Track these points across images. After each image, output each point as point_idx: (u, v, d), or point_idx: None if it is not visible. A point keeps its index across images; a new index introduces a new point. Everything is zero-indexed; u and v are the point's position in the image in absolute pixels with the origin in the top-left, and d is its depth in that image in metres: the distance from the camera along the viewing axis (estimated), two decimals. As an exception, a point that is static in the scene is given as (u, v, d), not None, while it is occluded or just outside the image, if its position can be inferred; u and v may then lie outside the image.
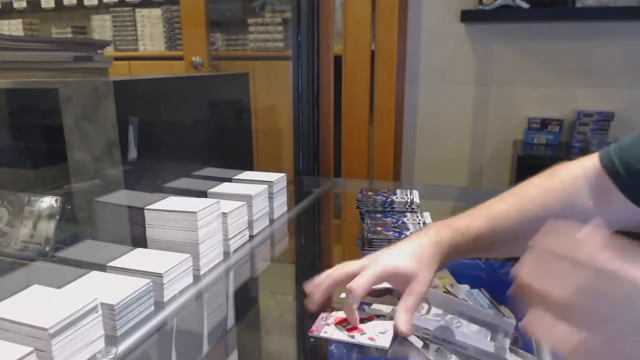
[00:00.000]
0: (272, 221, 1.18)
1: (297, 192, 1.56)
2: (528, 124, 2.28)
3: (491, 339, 0.78)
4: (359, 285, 0.69)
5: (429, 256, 0.71)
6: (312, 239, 1.37)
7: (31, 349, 0.56)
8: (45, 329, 0.57)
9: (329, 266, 0.78)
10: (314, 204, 1.44)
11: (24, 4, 3.10)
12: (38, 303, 0.63)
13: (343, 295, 0.82)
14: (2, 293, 0.65)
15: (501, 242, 0.75)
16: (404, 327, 0.67)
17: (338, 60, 2.28)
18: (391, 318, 0.77)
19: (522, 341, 0.82)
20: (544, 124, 2.25)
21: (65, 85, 0.90)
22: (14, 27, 3.09)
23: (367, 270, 0.71)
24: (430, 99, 2.47)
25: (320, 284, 0.74)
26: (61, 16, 3.14)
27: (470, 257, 0.76)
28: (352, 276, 0.71)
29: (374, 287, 0.72)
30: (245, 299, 0.99)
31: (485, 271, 0.98)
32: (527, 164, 2.08)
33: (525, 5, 2.07)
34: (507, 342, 0.76)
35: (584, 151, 2.12)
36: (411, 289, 0.69)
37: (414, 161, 2.57)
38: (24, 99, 1.14)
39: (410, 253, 0.72)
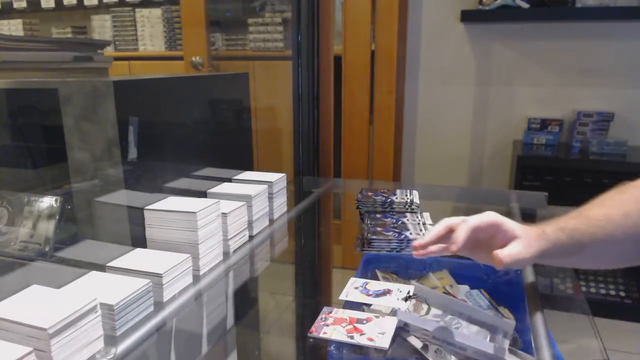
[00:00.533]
0: (272, 221, 1.18)
1: (297, 192, 1.55)
2: (528, 124, 2.28)
3: (490, 340, 0.78)
4: (473, 219, 0.74)
5: (535, 236, 0.72)
6: (312, 239, 1.37)
7: (30, 349, 0.56)
8: (45, 329, 0.57)
9: (329, 267, 0.78)
10: (314, 204, 1.44)
11: (24, 4, 3.10)
12: (37, 303, 0.63)
13: (342, 296, 0.82)
14: (1, 293, 0.65)
15: (596, 242, 0.74)
16: (502, 257, 0.69)
17: (338, 60, 2.28)
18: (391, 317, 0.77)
19: (521, 342, 0.82)
20: (544, 124, 2.25)
21: (65, 85, 0.90)
22: (14, 27, 3.08)
23: (476, 216, 0.75)
24: (430, 99, 2.47)
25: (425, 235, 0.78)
26: (61, 16, 3.14)
27: (566, 259, 0.76)
28: (454, 227, 0.75)
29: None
30: (245, 299, 0.99)
31: (485, 272, 0.98)
32: (527, 164, 2.08)
33: (525, 5, 2.07)
34: (506, 343, 0.76)
35: (584, 151, 2.12)
36: (519, 245, 0.71)
37: (414, 161, 2.57)
38: (24, 99, 1.14)
39: (519, 225, 0.74)
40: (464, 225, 0.73)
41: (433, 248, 0.76)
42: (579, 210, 0.76)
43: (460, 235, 0.72)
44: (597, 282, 2.17)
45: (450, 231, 0.76)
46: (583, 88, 2.22)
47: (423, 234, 1.05)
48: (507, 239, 0.73)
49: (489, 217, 0.74)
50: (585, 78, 2.21)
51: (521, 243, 0.71)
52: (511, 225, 0.73)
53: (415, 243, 0.77)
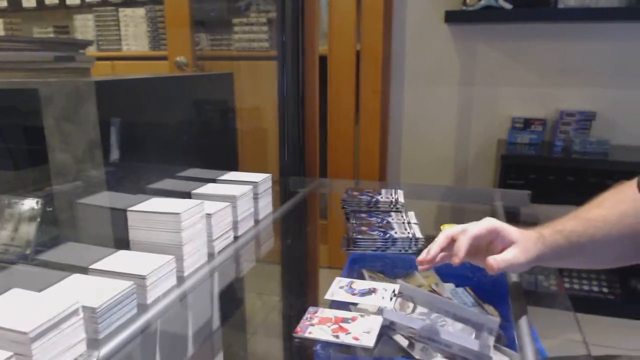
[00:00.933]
0: (257, 222, 1.17)
1: (282, 192, 1.55)
2: (512, 123, 2.30)
3: (475, 337, 0.79)
4: (472, 229, 0.75)
5: (533, 240, 0.74)
6: (298, 239, 1.37)
7: (11, 353, 0.55)
8: (26, 333, 0.56)
9: (315, 266, 0.78)
10: (300, 205, 1.44)
11: (4, 3, 3.05)
12: (18, 307, 0.62)
13: (328, 296, 0.82)
14: (-19, 297, 0.63)
15: (594, 244, 0.75)
16: (495, 263, 0.71)
17: (323, 60, 2.28)
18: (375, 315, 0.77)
19: (505, 338, 0.82)
20: (527, 123, 2.27)
21: (45, 85, 0.89)
22: (-6, 26, 3.04)
23: (475, 223, 0.76)
24: (415, 99, 2.48)
25: (429, 249, 0.78)
26: (43, 16, 3.10)
27: (564, 261, 0.77)
28: (459, 234, 0.75)
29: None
30: (231, 300, 0.99)
31: (470, 270, 0.99)
32: (511, 163, 2.10)
33: (508, 6, 2.09)
34: (492, 340, 0.77)
35: (567, 150, 2.14)
36: (515, 250, 0.72)
37: (399, 161, 2.58)
38: (4, 100, 1.12)
39: (517, 230, 0.75)
40: (464, 236, 0.74)
41: (436, 259, 0.77)
42: (576, 212, 0.77)
43: (462, 247, 0.73)
44: (581, 279, 2.20)
45: (451, 241, 0.76)
46: (566, 88, 2.25)
47: (408, 233, 1.05)
48: (505, 244, 0.74)
49: (487, 224, 0.75)
50: (567, 78, 2.24)
51: (517, 248, 0.72)
52: (509, 230, 0.74)
53: (420, 258, 0.77)
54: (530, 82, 2.29)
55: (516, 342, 0.74)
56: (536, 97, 2.30)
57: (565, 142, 2.19)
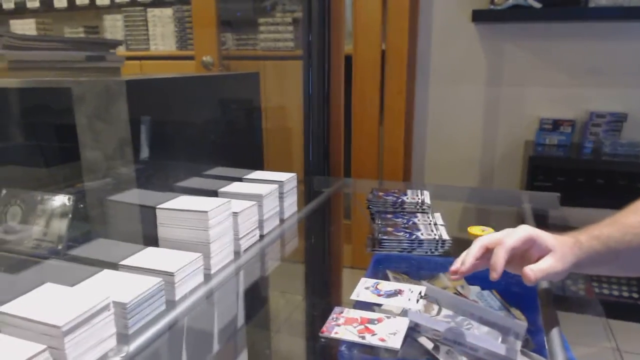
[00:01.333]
0: (282, 221, 1.18)
1: (307, 192, 1.55)
2: (540, 124, 2.26)
3: (502, 341, 0.77)
4: (509, 240, 0.72)
5: (569, 246, 0.72)
6: (322, 238, 1.37)
7: (44, 346, 0.56)
8: (59, 327, 0.57)
9: (339, 266, 0.78)
10: (324, 204, 1.44)
11: (37, 4, 3.13)
12: (51, 301, 0.63)
13: (353, 296, 0.82)
14: (16, 291, 0.65)
15: (632, 250, 0.73)
16: (532, 274, 0.69)
17: (348, 60, 2.28)
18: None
19: (533, 343, 0.81)
20: (556, 124, 2.23)
21: (78, 84, 0.90)
22: (27, 26, 3.12)
23: (510, 233, 0.74)
24: (440, 99, 2.46)
25: (464, 261, 0.76)
26: (74, 16, 3.17)
27: (601, 268, 0.75)
28: (494, 244, 0.74)
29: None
30: (256, 298, 1.00)
31: (496, 273, 0.97)
32: (539, 165, 2.06)
33: (538, 5, 2.05)
34: (518, 345, 0.76)
35: (596, 152, 2.10)
36: (551, 259, 0.71)
37: (424, 161, 2.56)
38: (38, 98, 1.15)
39: (553, 237, 0.74)
40: (501, 250, 0.71)
41: (471, 269, 0.75)
42: (613, 217, 0.75)
43: (500, 262, 0.71)
44: (610, 284, 2.14)
45: (486, 250, 0.75)
46: (596, 88, 2.20)
47: (435, 235, 1.04)
48: (541, 253, 0.72)
49: (524, 233, 0.73)
50: (598, 78, 2.19)
51: (554, 256, 0.71)
52: (545, 238, 0.73)
53: (454, 268, 0.75)
54: (559, 82, 2.24)
55: (546, 347, 0.72)
56: (565, 97, 2.25)
57: (595, 144, 2.14)
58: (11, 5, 3.20)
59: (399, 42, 2.30)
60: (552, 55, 2.23)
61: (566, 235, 0.74)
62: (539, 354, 0.76)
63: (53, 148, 1.14)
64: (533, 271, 0.69)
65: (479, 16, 2.18)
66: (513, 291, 0.95)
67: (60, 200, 0.96)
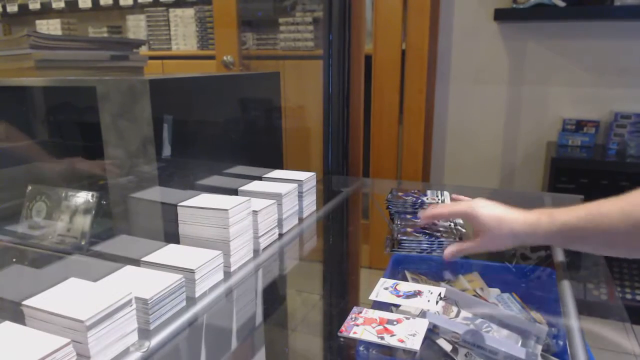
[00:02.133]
0: (301, 220, 1.18)
1: (326, 191, 1.56)
2: (563, 125, 2.22)
3: (522, 345, 0.77)
4: (445, 209, 0.91)
5: (512, 229, 0.78)
6: (341, 238, 1.37)
7: (68, 340, 0.57)
8: (82, 321, 0.58)
9: (356, 266, 0.79)
10: (343, 204, 1.44)
11: (62, 4, 3.19)
12: (75, 295, 0.64)
13: (372, 296, 0.82)
14: (40, 285, 0.67)
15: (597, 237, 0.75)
16: (447, 252, 0.86)
17: (368, 59, 2.27)
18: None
19: (554, 347, 0.80)
20: (580, 125, 2.19)
21: (102, 83, 0.92)
22: (52, 26, 3.18)
23: (459, 203, 0.89)
24: (461, 99, 2.43)
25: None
26: (98, 16, 3.22)
27: (578, 244, 0.78)
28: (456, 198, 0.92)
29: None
30: (274, 296, 1.00)
31: (517, 275, 0.96)
32: (562, 167, 2.03)
33: (562, 4, 2.02)
34: (539, 348, 0.75)
35: (621, 154, 2.06)
36: (478, 240, 0.83)
37: (443, 162, 2.54)
38: (63, 97, 1.17)
39: (502, 213, 0.81)
40: (436, 209, 0.90)
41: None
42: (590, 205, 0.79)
43: (426, 214, 0.91)
44: (634, 288, 2.10)
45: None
46: (621, 88, 2.16)
47: (455, 236, 1.03)
48: (478, 230, 0.82)
49: (463, 209, 0.85)
50: (623, 78, 2.15)
51: (482, 237, 0.81)
52: (482, 219, 0.81)
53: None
54: (583, 83, 2.21)
55: (568, 352, 0.71)
56: (589, 98, 2.21)
57: (620, 146, 2.10)
58: (37, 6, 3.26)
59: (419, 41, 2.29)
60: (575, 54, 2.19)
61: (522, 217, 0.79)
62: (561, 359, 0.75)
63: (77, 145, 1.16)
64: (449, 250, 0.84)
65: (501, 15, 2.16)
66: (533, 294, 0.94)
67: (84, 197, 0.98)
